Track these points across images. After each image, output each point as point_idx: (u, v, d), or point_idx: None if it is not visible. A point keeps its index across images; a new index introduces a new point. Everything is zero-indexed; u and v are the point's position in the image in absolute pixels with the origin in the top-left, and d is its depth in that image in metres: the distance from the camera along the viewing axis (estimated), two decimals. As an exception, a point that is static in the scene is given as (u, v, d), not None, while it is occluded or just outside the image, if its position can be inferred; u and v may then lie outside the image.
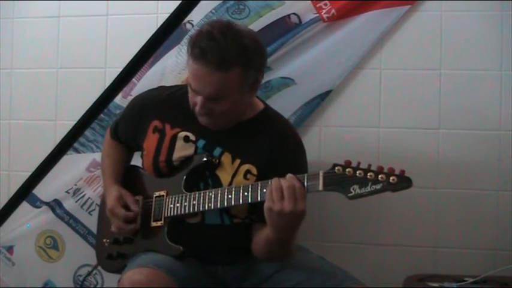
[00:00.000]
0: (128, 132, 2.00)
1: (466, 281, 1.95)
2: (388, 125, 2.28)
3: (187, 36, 2.19)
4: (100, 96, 1.54)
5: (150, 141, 1.90)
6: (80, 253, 2.41)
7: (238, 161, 1.81)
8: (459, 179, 2.24)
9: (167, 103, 1.91)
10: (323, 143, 2.31)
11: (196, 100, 1.75)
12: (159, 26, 1.30)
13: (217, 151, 1.82)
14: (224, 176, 1.81)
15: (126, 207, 1.88)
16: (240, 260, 1.86)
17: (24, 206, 2.35)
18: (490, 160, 2.21)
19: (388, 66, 2.27)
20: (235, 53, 1.68)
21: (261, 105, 1.91)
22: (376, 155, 2.27)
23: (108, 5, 2.45)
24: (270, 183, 1.61)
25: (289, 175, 1.60)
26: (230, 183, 1.79)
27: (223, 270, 1.87)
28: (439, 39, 2.23)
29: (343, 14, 2.23)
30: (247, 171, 1.80)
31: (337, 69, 2.26)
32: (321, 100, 2.28)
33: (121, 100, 2.29)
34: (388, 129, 2.28)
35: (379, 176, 1.49)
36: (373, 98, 2.28)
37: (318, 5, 2.24)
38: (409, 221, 2.26)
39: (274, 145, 1.81)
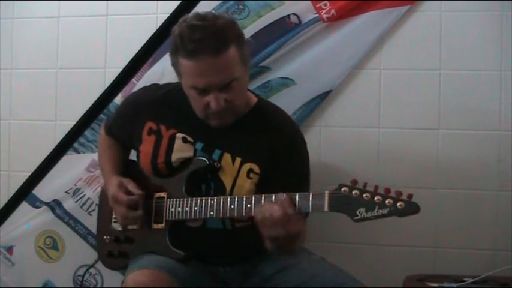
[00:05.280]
0: (122, 133, 1.98)
1: (466, 281, 1.94)
2: (388, 125, 2.28)
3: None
4: (100, 96, 1.55)
5: (147, 143, 1.87)
6: (80, 253, 2.41)
7: (239, 161, 1.79)
8: (459, 179, 2.23)
9: (162, 103, 1.88)
10: (323, 143, 2.31)
11: (207, 100, 1.71)
12: (159, 26, 1.30)
13: (216, 153, 1.81)
14: (226, 178, 1.79)
15: (129, 193, 1.83)
16: (241, 261, 1.85)
17: (24, 206, 2.34)
18: (490, 160, 2.21)
19: (388, 66, 2.27)
20: (226, 31, 1.66)
21: (254, 99, 1.89)
22: (376, 155, 2.27)
23: (108, 5, 2.45)
24: (270, 199, 1.62)
25: (283, 198, 1.59)
26: (233, 185, 1.78)
27: (224, 271, 1.87)
28: (439, 39, 2.23)
29: (342, 14, 2.23)
30: (250, 170, 1.78)
31: (337, 69, 2.26)
32: (320, 100, 2.28)
33: (121, 100, 2.29)
34: (388, 129, 2.28)
35: (387, 201, 1.49)
36: (373, 98, 2.28)
37: (317, 5, 2.24)
38: (409, 221, 2.24)
39: (274, 140, 1.80)
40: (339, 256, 2.10)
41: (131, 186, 1.84)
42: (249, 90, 1.92)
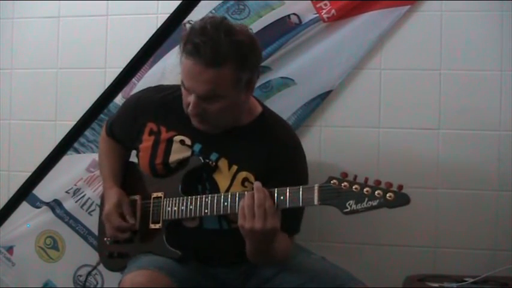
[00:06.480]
0: (123, 133, 1.99)
1: (466, 281, 1.94)
2: (388, 125, 2.28)
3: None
4: (100, 96, 1.54)
5: (146, 143, 1.87)
6: (80, 253, 2.41)
7: (235, 168, 1.78)
8: (459, 179, 2.23)
9: (163, 105, 1.87)
10: (323, 143, 2.31)
11: (189, 100, 1.71)
12: (159, 26, 1.29)
13: (213, 156, 1.80)
14: (221, 181, 1.79)
15: (123, 216, 1.86)
16: (240, 262, 1.85)
17: (24, 206, 2.35)
18: (490, 160, 2.21)
19: (388, 66, 2.27)
20: (228, 49, 1.63)
21: (259, 109, 1.87)
22: (376, 155, 2.27)
23: (108, 5, 2.45)
24: (243, 197, 1.60)
25: (260, 188, 1.59)
26: (227, 190, 1.77)
27: (223, 272, 1.87)
28: (439, 39, 2.23)
29: (343, 14, 2.23)
30: (245, 179, 1.77)
31: (337, 69, 2.26)
32: (321, 100, 2.28)
33: (121, 100, 2.28)
34: (388, 129, 2.28)
35: (376, 192, 1.46)
36: (373, 98, 2.28)
37: (318, 5, 2.24)
38: (409, 221, 2.26)
39: (273, 153, 1.78)
40: (339, 256, 2.10)
41: (127, 210, 1.86)
42: (256, 98, 1.90)
